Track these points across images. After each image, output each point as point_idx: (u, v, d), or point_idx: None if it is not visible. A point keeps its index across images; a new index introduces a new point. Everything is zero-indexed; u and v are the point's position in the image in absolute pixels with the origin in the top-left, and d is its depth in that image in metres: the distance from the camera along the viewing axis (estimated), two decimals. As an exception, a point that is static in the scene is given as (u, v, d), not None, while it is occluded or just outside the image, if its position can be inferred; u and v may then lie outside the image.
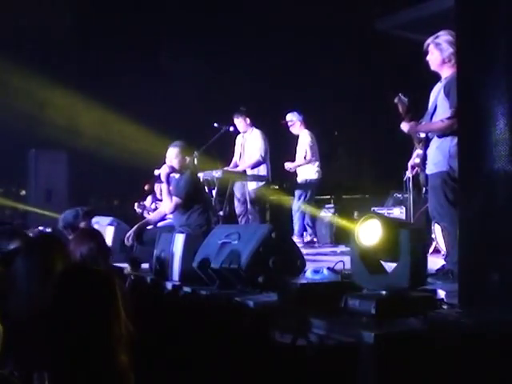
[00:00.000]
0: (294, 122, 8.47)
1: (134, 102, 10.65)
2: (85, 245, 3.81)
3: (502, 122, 2.29)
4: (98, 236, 4.09)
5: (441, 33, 4.61)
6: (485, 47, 2.39)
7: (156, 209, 7.95)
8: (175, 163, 5.94)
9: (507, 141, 2.27)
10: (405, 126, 4.74)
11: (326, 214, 8.92)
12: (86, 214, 5.31)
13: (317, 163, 8.39)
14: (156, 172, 6.14)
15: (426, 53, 4.71)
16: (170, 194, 5.79)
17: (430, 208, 4.76)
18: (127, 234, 5.84)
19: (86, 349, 2.27)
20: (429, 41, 4.68)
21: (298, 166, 8.35)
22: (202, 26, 11.27)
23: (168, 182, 5.86)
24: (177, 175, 6.06)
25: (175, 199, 5.73)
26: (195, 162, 7.32)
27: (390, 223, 3.14)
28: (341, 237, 8.37)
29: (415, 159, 4.97)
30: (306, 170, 8.36)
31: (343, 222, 8.09)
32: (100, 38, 11.25)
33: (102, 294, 2.40)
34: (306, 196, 8.26)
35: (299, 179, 8.40)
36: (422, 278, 3.11)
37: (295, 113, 8.53)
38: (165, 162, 6.20)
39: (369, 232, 3.08)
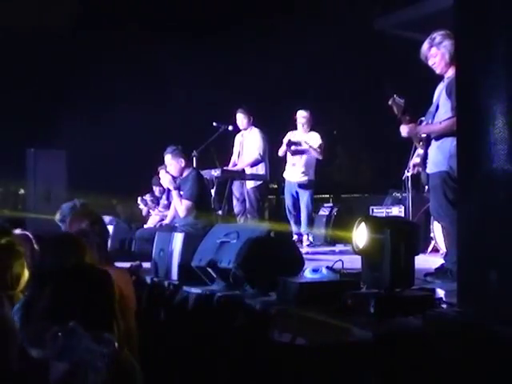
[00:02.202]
0: (307, 119, 8.19)
1: (134, 101, 10.65)
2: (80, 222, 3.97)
3: (500, 121, 2.28)
4: (92, 214, 4.24)
5: (435, 34, 4.42)
6: (484, 46, 2.38)
7: (157, 203, 8.00)
8: (172, 169, 6.01)
9: (506, 140, 2.26)
10: (404, 130, 4.60)
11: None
12: (82, 205, 5.35)
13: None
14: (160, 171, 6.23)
15: (426, 59, 4.49)
16: (180, 196, 5.80)
17: (430, 208, 4.74)
18: None
19: None
20: (427, 45, 4.47)
21: None
22: (201, 26, 11.28)
23: (175, 188, 5.88)
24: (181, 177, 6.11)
25: (185, 202, 5.73)
26: (194, 161, 7.33)
27: (376, 224, 3.11)
28: (338, 237, 8.38)
29: (415, 158, 4.90)
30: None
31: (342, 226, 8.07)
32: (99, 37, 11.25)
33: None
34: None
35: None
36: (407, 277, 3.08)
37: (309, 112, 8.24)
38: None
39: (360, 235, 3.09)
